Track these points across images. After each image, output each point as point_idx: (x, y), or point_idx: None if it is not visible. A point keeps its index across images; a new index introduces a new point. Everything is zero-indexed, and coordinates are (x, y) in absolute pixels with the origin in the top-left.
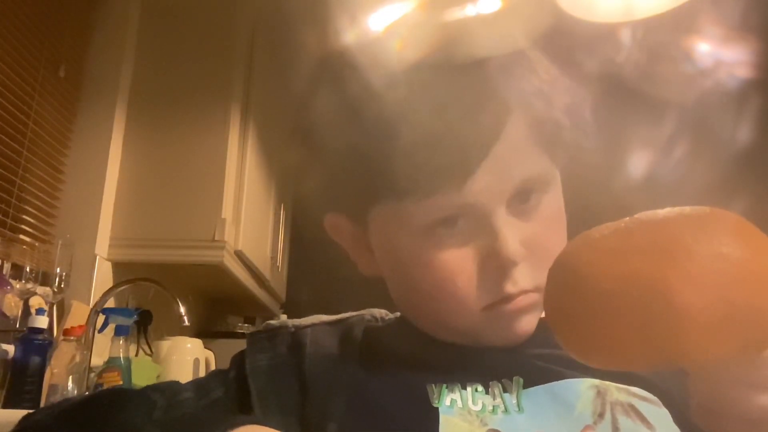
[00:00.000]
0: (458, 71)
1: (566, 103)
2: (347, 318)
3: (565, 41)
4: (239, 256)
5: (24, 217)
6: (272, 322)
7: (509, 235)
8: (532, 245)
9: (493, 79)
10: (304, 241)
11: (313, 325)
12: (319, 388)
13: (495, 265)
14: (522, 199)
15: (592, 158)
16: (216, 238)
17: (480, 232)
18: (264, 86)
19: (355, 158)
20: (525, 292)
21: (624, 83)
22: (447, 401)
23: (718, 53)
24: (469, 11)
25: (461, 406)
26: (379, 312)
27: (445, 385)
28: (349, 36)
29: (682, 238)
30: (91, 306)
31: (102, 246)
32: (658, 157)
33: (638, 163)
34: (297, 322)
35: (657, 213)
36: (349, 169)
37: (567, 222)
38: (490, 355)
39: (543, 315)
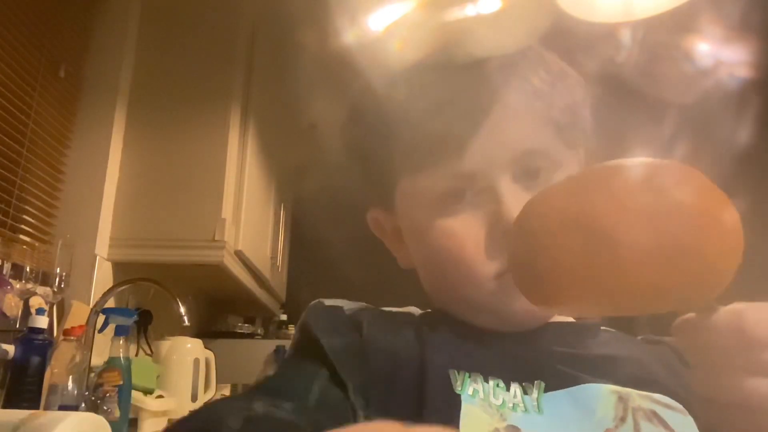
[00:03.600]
0: (458, 70)
1: (567, 102)
2: (393, 310)
3: (564, 41)
4: (239, 256)
5: (24, 217)
6: (326, 300)
7: (513, 200)
8: None
9: (493, 78)
10: (304, 242)
11: (362, 309)
12: (372, 365)
13: (501, 231)
14: (530, 174)
15: (592, 158)
16: (216, 238)
17: (486, 200)
18: (264, 86)
19: (372, 144)
20: None
21: (624, 83)
22: (470, 390)
23: (718, 53)
24: (469, 11)
25: (483, 397)
26: (416, 310)
27: (467, 374)
28: (348, 36)
29: (627, 179)
30: (91, 306)
31: (102, 246)
32: (659, 157)
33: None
34: (348, 305)
35: (613, 161)
36: (368, 156)
37: None
38: (513, 354)
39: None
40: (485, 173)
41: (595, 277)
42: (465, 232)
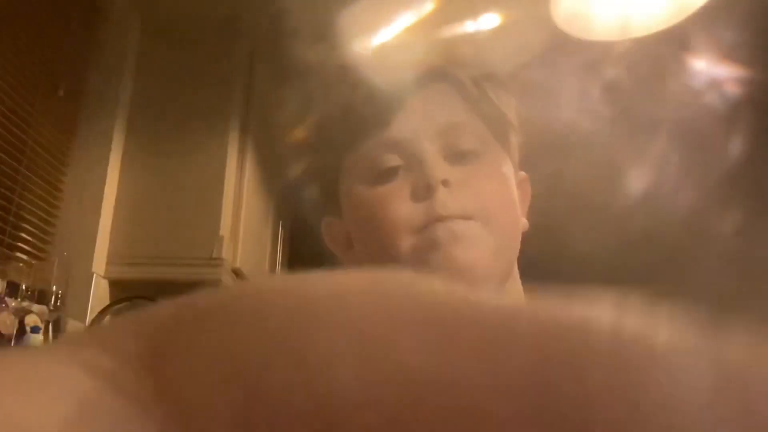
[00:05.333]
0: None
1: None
2: None
3: (562, 59)
4: (237, 273)
5: (21, 234)
6: None
7: (434, 158)
8: (463, 180)
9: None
10: (302, 259)
11: None
12: None
13: (422, 186)
14: (457, 155)
15: (592, 174)
16: (214, 256)
17: (413, 169)
18: (263, 103)
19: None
20: (456, 216)
21: (621, 101)
22: None
23: (714, 70)
24: (469, 28)
25: None
26: None
27: None
28: (347, 53)
29: None
30: (87, 324)
31: (99, 264)
32: (656, 172)
33: (637, 178)
34: None
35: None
36: (319, 164)
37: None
38: None
39: (488, 251)
40: (412, 143)
41: None
42: (390, 193)
